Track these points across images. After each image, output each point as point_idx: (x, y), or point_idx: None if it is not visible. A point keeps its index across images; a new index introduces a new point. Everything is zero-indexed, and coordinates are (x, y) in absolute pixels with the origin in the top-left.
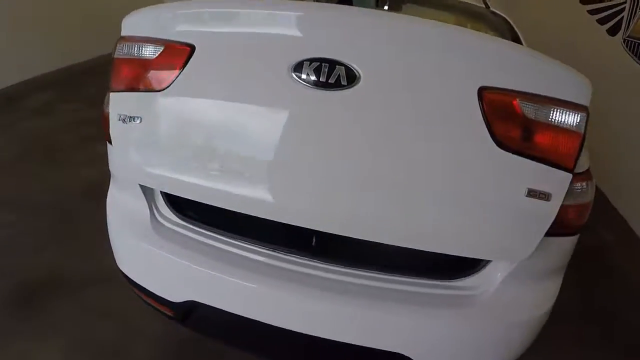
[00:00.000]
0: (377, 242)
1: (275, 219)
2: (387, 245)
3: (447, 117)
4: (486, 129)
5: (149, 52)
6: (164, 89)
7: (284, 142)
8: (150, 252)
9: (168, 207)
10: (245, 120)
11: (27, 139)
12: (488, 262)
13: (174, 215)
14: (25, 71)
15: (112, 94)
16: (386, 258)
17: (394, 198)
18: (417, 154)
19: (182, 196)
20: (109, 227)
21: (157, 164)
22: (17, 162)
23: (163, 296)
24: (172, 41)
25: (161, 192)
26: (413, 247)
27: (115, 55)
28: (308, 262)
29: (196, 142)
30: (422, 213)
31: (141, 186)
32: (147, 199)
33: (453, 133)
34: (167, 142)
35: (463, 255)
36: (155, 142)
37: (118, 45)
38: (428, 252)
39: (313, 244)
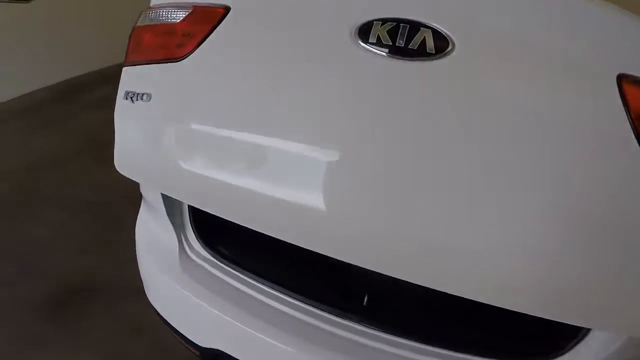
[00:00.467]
0: (443, 309)
1: (337, 256)
2: (457, 312)
3: (573, 111)
4: (632, 132)
5: (175, 16)
6: (181, 58)
7: (345, 134)
8: (177, 292)
9: (197, 240)
10: (289, 101)
11: (85, 133)
12: (579, 340)
13: (204, 251)
14: (88, 63)
15: (123, 69)
16: (454, 330)
17: (500, 223)
18: (532, 161)
19: (204, 209)
20: (137, 254)
21: (166, 159)
22: (72, 157)
23: (189, 337)
24: (204, 4)
25: (190, 221)
26: (511, 308)
27: (137, 24)
28: (358, 327)
29: (217, 132)
30: (536, 251)
31: (168, 213)
32: (175, 229)
33: (581, 133)
34: (181, 130)
35: (573, 324)
36: (164, 128)
37: (142, 15)
38: (503, 323)
39: (364, 303)
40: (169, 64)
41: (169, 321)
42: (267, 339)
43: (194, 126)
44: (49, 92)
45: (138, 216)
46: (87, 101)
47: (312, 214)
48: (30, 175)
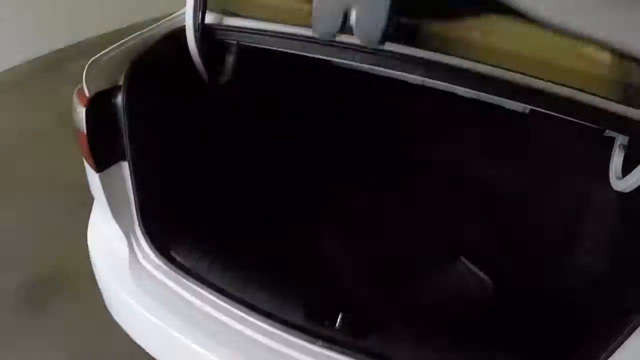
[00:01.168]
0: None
1: None
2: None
3: None
4: None
5: None
6: None
7: None
8: (128, 303)
9: (147, 243)
10: None
11: (66, 109)
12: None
13: (156, 257)
14: (75, 34)
15: None
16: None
17: None
18: None
19: None
20: (90, 257)
21: None
22: (50, 136)
23: (147, 351)
24: None
25: (139, 221)
26: None
27: None
28: (327, 354)
29: None
30: None
31: (114, 211)
32: (124, 231)
33: None
34: None
35: None
36: None
37: None
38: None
39: (337, 323)
40: None
41: (124, 329)
42: None
43: None
44: (32, 65)
45: (90, 217)
46: (72, 73)
47: None
48: (4, 156)
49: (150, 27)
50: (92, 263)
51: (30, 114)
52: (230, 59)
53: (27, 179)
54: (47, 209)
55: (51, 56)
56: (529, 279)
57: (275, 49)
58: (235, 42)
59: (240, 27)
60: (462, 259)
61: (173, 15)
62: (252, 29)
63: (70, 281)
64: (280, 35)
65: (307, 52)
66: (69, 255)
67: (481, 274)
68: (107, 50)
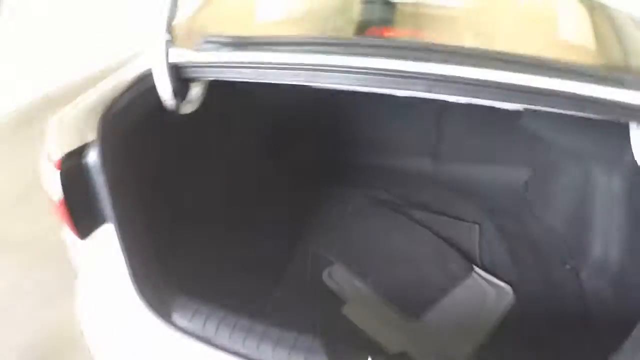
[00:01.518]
0: None
1: None
2: None
3: None
4: None
5: None
6: None
7: None
8: None
9: (146, 309)
10: None
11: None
12: None
13: (157, 324)
14: (41, 86)
15: None
16: None
17: None
18: None
19: None
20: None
21: None
22: (36, 192)
23: None
24: None
25: (134, 286)
26: None
27: None
28: None
29: None
30: None
31: (105, 280)
32: (117, 298)
33: None
34: None
35: None
36: None
37: None
38: None
39: None
40: None
41: None
42: None
43: None
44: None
45: (77, 288)
46: (40, 131)
47: None
48: None
49: (114, 73)
50: (86, 336)
51: (3, 175)
52: (196, 90)
53: (12, 242)
54: (38, 272)
55: (18, 112)
56: (548, 280)
57: (259, 81)
58: (214, 78)
59: (218, 63)
60: (476, 269)
61: (136, 60)
62: (232, 63)
63: (67, 350)
64: (265, 66)
65: (296, 82)
66: (64, 319)
67: (498, 282)
68: (70, 105)
